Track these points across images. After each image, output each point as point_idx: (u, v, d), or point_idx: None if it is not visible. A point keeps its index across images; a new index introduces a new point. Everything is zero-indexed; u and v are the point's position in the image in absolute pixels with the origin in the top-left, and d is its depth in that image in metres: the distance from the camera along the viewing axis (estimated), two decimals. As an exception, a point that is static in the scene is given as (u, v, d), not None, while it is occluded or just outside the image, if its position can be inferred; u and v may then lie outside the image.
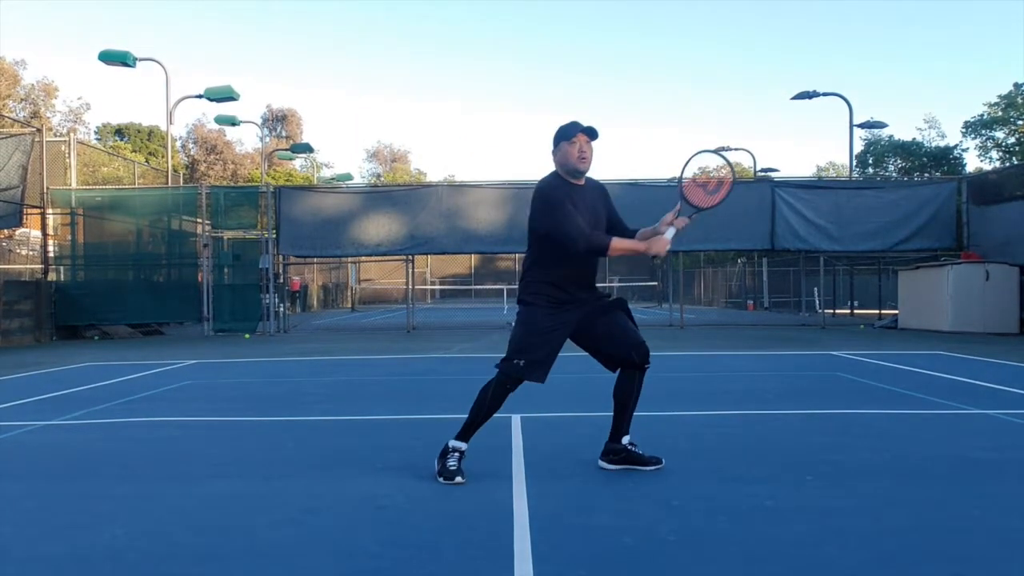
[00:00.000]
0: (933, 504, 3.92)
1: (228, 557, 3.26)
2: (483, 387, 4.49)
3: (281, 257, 19.64)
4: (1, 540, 3.54)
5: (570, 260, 4.35)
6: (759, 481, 4.34)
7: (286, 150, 44.06)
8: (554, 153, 4.42)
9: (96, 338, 18.41)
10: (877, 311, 25.54)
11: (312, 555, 3.24)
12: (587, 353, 4.68)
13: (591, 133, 4.35)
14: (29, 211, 18.40)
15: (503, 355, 4.45)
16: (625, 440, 4.58)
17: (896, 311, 20.24)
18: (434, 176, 72.81)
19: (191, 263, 19.80)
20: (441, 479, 4.36)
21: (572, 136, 4.33)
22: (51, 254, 19.00)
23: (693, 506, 3.89)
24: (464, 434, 4.49)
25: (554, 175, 4.43)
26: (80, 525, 3.72)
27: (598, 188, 4.58)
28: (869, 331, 18.48)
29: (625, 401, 4.58)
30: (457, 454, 4.43)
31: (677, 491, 4.16)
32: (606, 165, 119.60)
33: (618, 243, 4.32)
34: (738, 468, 4.66)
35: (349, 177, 42.70)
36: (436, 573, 3.04)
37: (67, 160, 19.72)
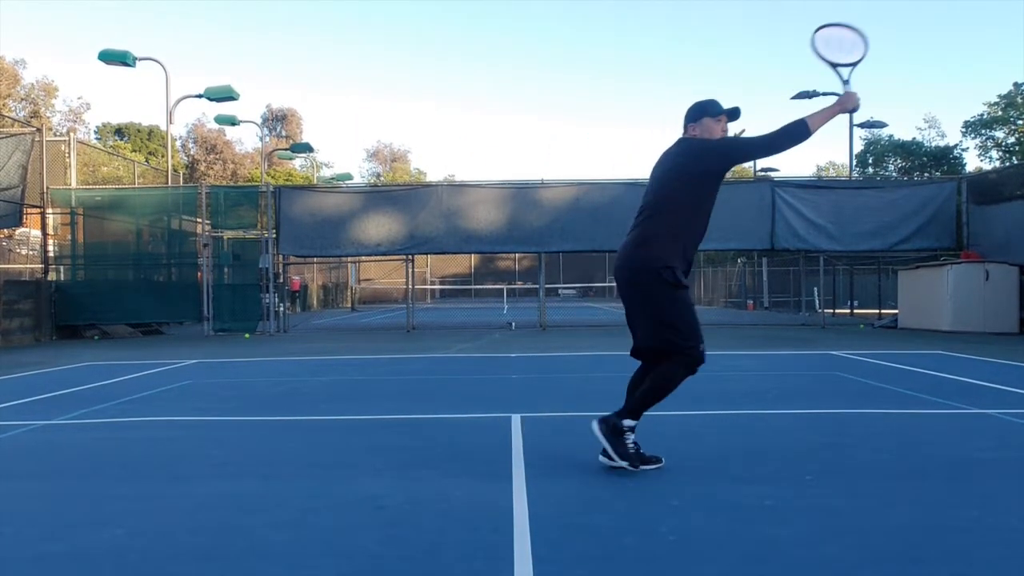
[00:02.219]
0: (933, 504, 3.92)
1: (228, 557, 3.26)
2: (660, 373, 4.35)
3: (281, 257, 19.63)
4: (1, 540, 3.54)
5: (696, 228, 4.41)
6: (759, 481, 4.34)
7: (286, 150, 44.08)
8: (694, 125, 4.52)
9: (96, 338, 18.40)
10: (877, 311, 25.52)
11: (312, 555, 3.24)
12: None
13: (734, 115, 4.49)
14: (29, 211, 18.40)
15: (674, 344, 4.33)
16: (628, 423, 4.44)
17: (896, 311, 20.24)
18: (434, 176, 72.93)
19: (191, 263, 19.80)
20: (619, 460, 4.32)
21: (718, 114, 4.47)
22: (51, 254, 19.00)
23: (693, 505, 3.89)
24: (635, 416, 4.39)
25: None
26: (80, 525, 3.72)
27: None
28: (869, 331, 18.47)
29: (637, 384, 4.56)
30: (632, 435, 4.38)
31: (677, 491, 4.15)
32: (605, 165, 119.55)
33: (814, 118, 4.34)
34: (738, 468, 4.66)
35: (349, 177, 42.73)
36: (436, 573, 3.04)
37: (67, 160, 19.71)
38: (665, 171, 4.49)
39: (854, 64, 4.66)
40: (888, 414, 6.51)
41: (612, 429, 4.38)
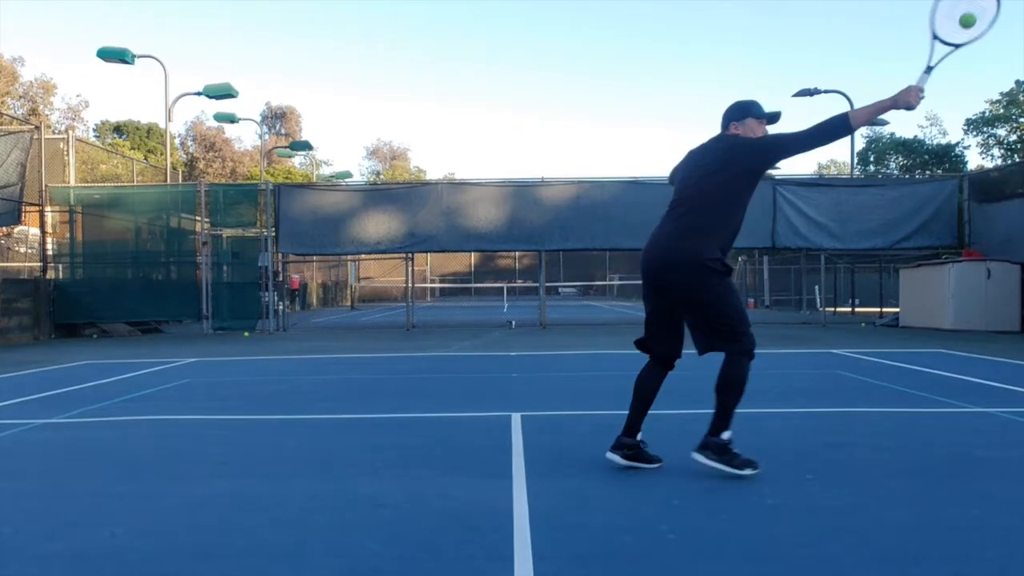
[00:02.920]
0: (934, 502, 3.91)
1: (228, 556, 3.25)
2: (728, 373, 4.30)
3: (280, 255, 19.61)
4: (1, 539, 3.53)
5: (736, 222, 4.43)
6: (759, 479, 4.32)
7: (285, 147, 44.12)
8: (737, 123, 4.52)
9: (95, 336, 18.40)
10: (878, 309, 25.51)
11: (312, 554, 3.23)
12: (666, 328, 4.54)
13: (774, 119, 4.54)
14: (28, 209, 18.39)
15: (726, 338, 4.30)
16: (726, 435, 4.38)
17: (897, 309, 20.23)
18: (434, 174, 72.95)
19: (190, 261, 19.78)
20: (740, 471, 4.27)
21: (761, 116, 4.50)
22: (50, 252, 18.98)
23: (693, 504, 3.88)
24: (727, 424, 4.33)
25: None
26: (80, 523, 3.71)
27: None
28: (870, 329, 18.47)
29: (650, 398, 4.54)
30: (726, 443, 4.33)
31: (677, 489, 4.14)
32: (605, 163, 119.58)
33: (858, 112, 4.28)
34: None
35: (348, 175, 42.67)
36: (436, 572, 3.03)
37: (66, 158, 19.70)
38: (706, 166, 4.45)
39: (957, 46, 4.37)
40: (889, 413, 6.50)
41: (718, 449, 4.32)
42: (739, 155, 4.39)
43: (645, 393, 4.54)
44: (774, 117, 4.53)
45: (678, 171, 4.71)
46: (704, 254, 4.27)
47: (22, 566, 3.19)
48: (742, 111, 4.54)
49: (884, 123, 30.60)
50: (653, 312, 4.57)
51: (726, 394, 4.31)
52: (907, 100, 4.17)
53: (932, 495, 4.04)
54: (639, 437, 4.55)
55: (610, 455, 4.55)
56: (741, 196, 4.42)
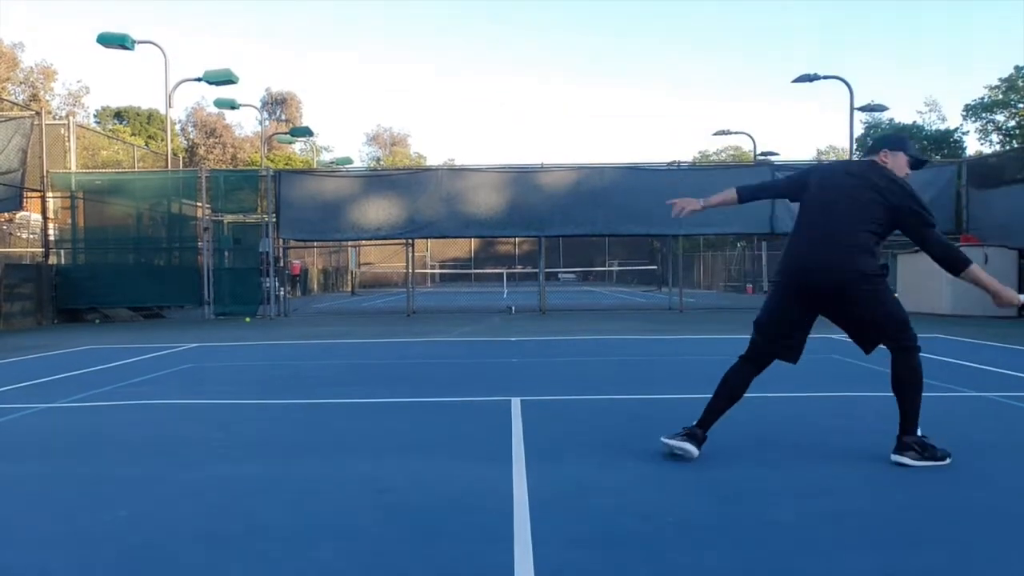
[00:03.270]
0: (932, 486, 3.94)
1: (230, 539, 3.28)
2: (905, 375, 4.37)
3: (281, 241, 19.62)
4: (4, 521, 3.57)
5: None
6: (758, 464, 4.36)
7: (285, 134, 43.96)
8: (889, 152, 4.58)
9: (97, 321, 18.44)
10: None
11: (313, 537, 3.27)
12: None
13: (918, 165, 4.66)
14: (29, 194, 18.40)
15: (895, 337, 4.39)
16: (920, 433, 4.41)
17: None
18: (434, 160, 72.81)
19: (191, 247, 19.80)
20: (943, 461, 4.28)
21: (913, 157, 4.59)
22: (51, 237, 19.00)
23: (692, 488, 3.91)
24: (914, 423, 4.37)
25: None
26: (82, 507, 3.75)
27: None
28: (869, 315, 18.45)
29: (740, 396, 4.59)
30: (923, 438, 4.37)
31: (676, 474, 4.18)
32: (604, 148, 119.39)
33: (978, 271, 4.42)
34: (737, 451, 4.68)
35: (349, 161, 42.55)
36: (437, 555, 3.06)
37: (66, 143, 19.68)
38: (867, 191, 4.42)
39: None
40: (886, 397, 6.50)
41: (920, 448, 4.34)
42: (899, 197, 4.38)
43: (737, 392, 4.57)
44: (919, 164, 4.64)
45: (812, 183, 4.71)
46: (876, 265, 4.40)
47: (25, 549, 3.22)
48: (898, 143, 4.62)
49: (884, 108, 30.50)
50: (796, 319, 4.55)
51: (910, 396, 4.38)
52: (1010, 301, 4.43)
53: (930, 479, 4.07)
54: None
55: (678, 443, 4.44)
56: (871, 223, 4.41)
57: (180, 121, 59.49)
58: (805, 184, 4.73)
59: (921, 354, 4.39)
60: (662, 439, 4.49)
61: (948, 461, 4.30)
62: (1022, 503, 3.67)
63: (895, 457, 4.34)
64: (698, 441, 4.45)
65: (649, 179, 19.11)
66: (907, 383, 4.36)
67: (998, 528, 3.33)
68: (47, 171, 18.50)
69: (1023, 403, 5.78)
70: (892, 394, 4.39)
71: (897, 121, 36.00)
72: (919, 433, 4.37)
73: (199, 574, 2.93)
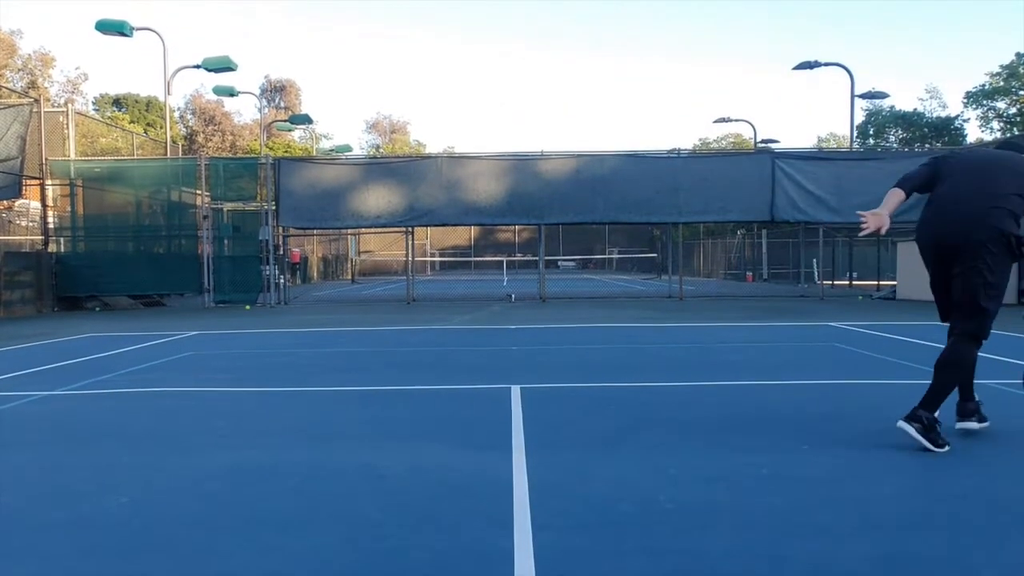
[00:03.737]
0: (929, 472, 3.96)
1: (231, 526, 3.30)
2: (947, 361, 4.55)
3: (281, 229, 19.61)
4: (6, 508, 3.59)
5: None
6: (756, 450, 4.38)
7: (285, 121, 43.91)
8: None
9: (97, 309, 18.45)
10: (876, 282, 25.56)
11: (314, 523, 3.28)
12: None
13: None
14: (28, 182, 18.39)
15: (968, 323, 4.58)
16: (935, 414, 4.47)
17: (895, 282, 20.25)
18: (433, 147, 72.66)
19: (191, 234, 19.79)
20: (940, 449, 4.32)
21: None
22: (51, 225, 18.99)
23: (690, 475, 3.93)
24: (940, 402, 4.45)
25: None
26: (84, 493, 3.76)
27: None
28: (867, 302, 18.50)
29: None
30: (935, 420, 4.42)
31: (674, 460, 4.20)
32: (604, 135, 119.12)
33: None
34: (735, 437, 4.70)
35: (348, 148, 42.54)
36: (437, 541, 3.08)
37: (65, 131, 19.66)
38: (1014, 171, 4.53)
39: None
40: (885, 385, 6.55)
41: (928, 426, 4.38)
42: None
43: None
44: None
45: (950, 163, 4.73)
46: (1012, 233, 4.42)
47: (27, 535, 3.24)
48: None
49: (884, 96, 30.45)
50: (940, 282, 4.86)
51: (945, 372, 4.47)
52: None
53: (927, 465, 4.09)
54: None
55: (961, 424, 4.73)
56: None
57: (179, 108, 59.40)
58: (938, 171, 4.74)
59: (979, 352, 4.53)
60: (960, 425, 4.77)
61: (946, 450, 4.33)
62: (1019, 490, 3.69)
63: (901, 423, 4.41)
64: (977, 416, 4.78)
65: (649, 166, 19.10)
66: (950, 365, 4.50)
67: (996, 513, 3.35)
68: (46, 159, 18.48)
69: (1023, 391, 5.79)
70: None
71: (898, 108, 35.91)
72: (936, 415, 4.41)
73: (200, 560, 2.95)
